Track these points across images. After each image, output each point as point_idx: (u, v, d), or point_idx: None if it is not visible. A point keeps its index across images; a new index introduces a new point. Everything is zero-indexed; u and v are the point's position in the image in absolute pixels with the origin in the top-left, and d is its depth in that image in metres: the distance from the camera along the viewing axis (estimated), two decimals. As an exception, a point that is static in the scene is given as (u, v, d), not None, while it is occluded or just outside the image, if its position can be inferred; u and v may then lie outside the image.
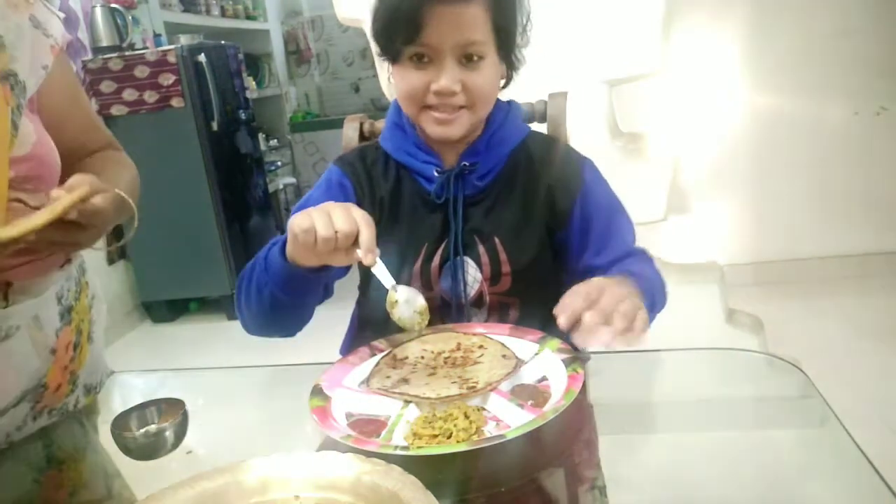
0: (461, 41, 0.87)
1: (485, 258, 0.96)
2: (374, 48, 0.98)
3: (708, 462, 0.72)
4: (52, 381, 0.84)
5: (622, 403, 0.89)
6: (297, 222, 0.76)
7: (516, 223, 0.97)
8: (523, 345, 0.86)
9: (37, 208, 0.68)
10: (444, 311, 0.99)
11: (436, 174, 0.97)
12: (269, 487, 0.62)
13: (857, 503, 0.64)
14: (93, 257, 0.84)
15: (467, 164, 0.96)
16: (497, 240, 0.96)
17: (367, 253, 0.77)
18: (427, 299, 0.98)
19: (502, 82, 0.98)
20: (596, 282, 0.76)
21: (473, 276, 0.97)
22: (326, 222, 0.75)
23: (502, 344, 0.87)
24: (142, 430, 0.71)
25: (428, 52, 0.88)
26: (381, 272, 0.80)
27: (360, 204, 0.99)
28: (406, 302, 0.83)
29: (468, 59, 0.88)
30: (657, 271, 0.95)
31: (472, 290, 0.97)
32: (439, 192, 0.96)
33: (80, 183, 0.70)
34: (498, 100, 1.00)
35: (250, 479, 0.63)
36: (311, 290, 0.88)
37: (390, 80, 0.97)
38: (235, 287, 0.94)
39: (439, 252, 0.97)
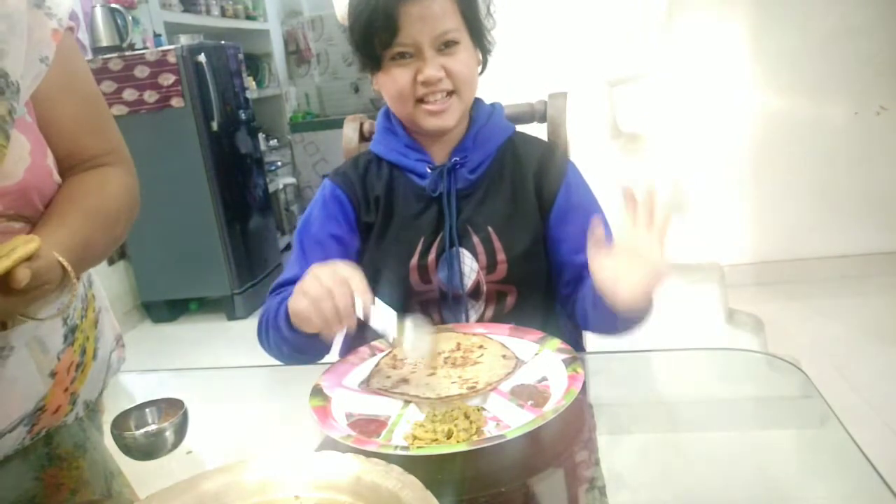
0: (437, 31, 0.92)
1: (480, 248, 0.99)
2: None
3: (708, 462, 0.72)
4: (51, 403, 0.81)
5: (622, 403, 0.89)
6: (295, 305, 0.81)
7: (508, 213, 1.00)
8: (523, 345, 0.87)
9: None
10: (443, 302, 1.01)
11: (428, 170, 1.00)
12: (269, 487, 0.62)
13: (857, 503, 0.64)
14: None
15: (458, 158, 1.00)
16: (490, 229, 0.99)
17: (364, 294, 0.78)
18: (425, 292, 0.99)
19: (479, 68, 1.02)
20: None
21: (470, 266, 0.99)
22: (318, 287, 0.78)
23: (502, 344, 0.87)
24: (142, 430, 0.71)
25: (408, 49, 0.93)
26: (381, 316, 0.80)
27: (356, 210, 1.03)
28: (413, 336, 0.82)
29: (446, 46, 0.93)
30: None
31: (469, 280, 0.99)
32: (433, 186, 1.00)
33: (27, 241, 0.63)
34: (482, 101, 1.05)
35: (250, 479, 0.63)
36: (323, 346, 0.91)
37: (374, 91, 1.02)
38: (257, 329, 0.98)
39: (435, 245, 0.99)
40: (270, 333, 0.93)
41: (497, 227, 0.99)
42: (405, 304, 1.00)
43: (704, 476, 0.69)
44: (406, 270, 0.98)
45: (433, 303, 1.01)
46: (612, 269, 0.80)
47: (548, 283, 1.04)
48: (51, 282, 0.67)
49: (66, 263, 0.68)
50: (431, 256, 0.99)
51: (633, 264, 0.79)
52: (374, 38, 0.93)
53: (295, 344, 0.89)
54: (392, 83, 0.96)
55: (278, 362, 0.96)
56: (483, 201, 1.01)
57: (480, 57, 1.01)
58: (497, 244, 0.98)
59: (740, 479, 0.68)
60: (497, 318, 0.99)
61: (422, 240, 0.99)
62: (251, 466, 0.64)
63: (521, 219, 1.00)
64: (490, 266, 0.99)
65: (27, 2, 0.71)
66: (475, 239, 0.99)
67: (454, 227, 0.99)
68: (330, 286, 0.77)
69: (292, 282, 0.98)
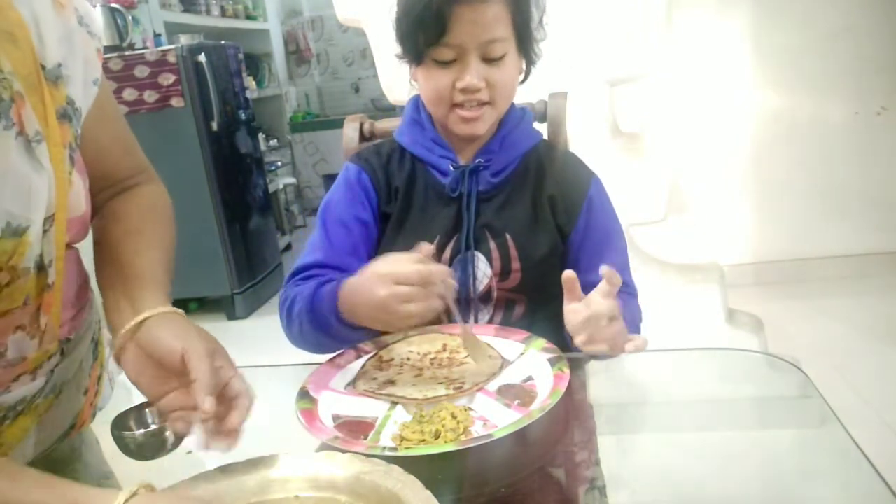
0: (484, 39, 0.90)
1: (495, 254, 0.97)
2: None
3: (708, 462, 0.72)
4: (80, 420, 0.81)
5: (622, 403, 0.89)
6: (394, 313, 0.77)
7: (528, 222, 0.99)
8: (509, 345, 0.86)
9: None
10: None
11: (451, 168, 0.99)
12: (269, 487, 0.62)
13: (857, 503, 0.64)
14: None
15: (482, 160, 0.99)
16: (509, 236, 0.98)
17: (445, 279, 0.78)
18: None
19: (521, 77, 1.00)
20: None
21: (483, 270, 0.98)
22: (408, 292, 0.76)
23: (488, 344, 0.87)
24: (142, 430, 0.71)
25: (452, 51, 0.90)
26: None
27: (378, 195, 1.01)
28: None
29: (491, 56, 0.91)
30: (638, 307, 1.00)
31: (482, 284, 0.98)
32: (454, 185, 0.98)
33: None
34: (513, 104, 1.03)
35: (250, 479, 0.63)
36: (356, 337, 0.91)
37: (412, 84, 1.00)
38: (279, 309, 0.98)
39: (451, 245, 0.98)
40: (304, 326, 0.92)
41: (515, 234, 0.97)
42: None
43: (704, 476, 0.69)
44: None
45: None
46: (579, 326, 0.80)
47: (560, 295, 1.03)
48: None
49: None
50: (446, 256, 0.98)
51: (598, 329, 0.79)
52: (421, 35, 0.91)
53: (343, 337, 0.89)
54: (431, 84, 0.94)
55: (277, 362, 0.96)
56: (504, 206, 0.99)
57: (524, 66, 0.99)
58: (513, 252, 0.97)
59: (740, 479, 0.68)
60: (505, 326, 0.97)
61: (437, 238, 0.98)
62: (251, 466, 0.64)
63: (540, 228, 0.99)
64: (504, 273, 0.97)
65: (76, 21, 0.67)
66: (492, 244, 0.97)
67: (471, 229, 0.97)
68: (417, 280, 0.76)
69: (314, 266, 0.98)
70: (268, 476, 0.63)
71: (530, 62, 0.99)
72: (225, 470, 0.64)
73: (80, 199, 0.69)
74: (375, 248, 1.02)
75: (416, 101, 1.03)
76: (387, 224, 1.01)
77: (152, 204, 0.81)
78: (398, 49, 0.97)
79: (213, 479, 0.63)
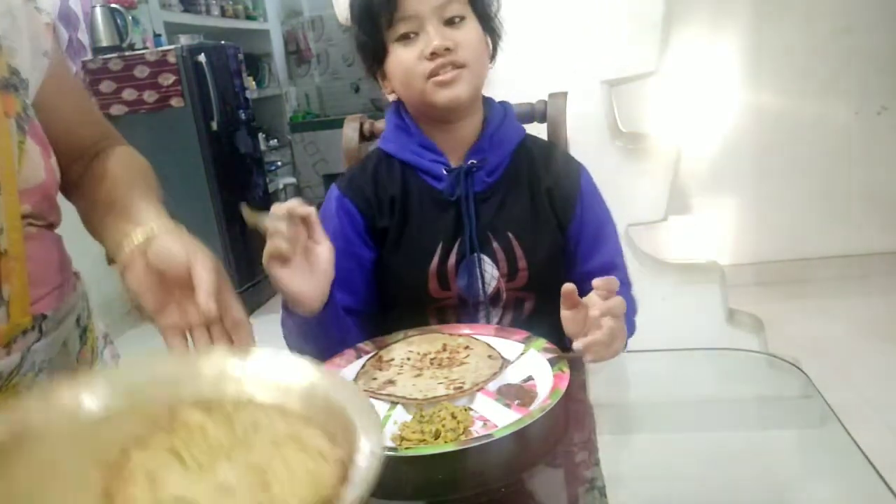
0: (437, 3, 0.89)
1: (500, 254, 0.96)
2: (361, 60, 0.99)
3: (708, 462, 0.72)
4: None
5: (622, 403, 0.89)
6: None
7: (529, 218, 0.98)
8: (509, 345, 0.86)
9: None
10: (462, 309, 0.98)
11: (444, 172, 0.97)
12: (223, 383, 0.57)
13: (857, 503, 0.64)
14: (94, 256, 0.83)
15: (475, 161, 0.97)
16: (511, 235, 0.97)
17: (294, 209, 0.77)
18: (445, 299, 0.97)
19: (489, 53, 0.98)
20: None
21: (490, 272, 0.97)
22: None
23: (488, 344, 0.86)
24: None
25: (412, 24, 0.90)
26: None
27: (368, 219, 0.99)
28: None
29: (449, 16, 0.90)
30: (632, 298, 0.98)
31: (490, 287, 0.97)
32: (450, 189, 0.96)
33: None
34: (493, 100, 1.02)
35: (207, 369, 0.58)
36: (329, 333, 0.88)
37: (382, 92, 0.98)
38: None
39: (454, 250, 0.96)
40: (291, 339, 0.91)
41: (517, 233, 0.96)
42: (422, 310, 0.98)
43: (704, 476, 0.69)
44: (425, 277, 0.96)
45: (451, 309, 0.99)
46: (574, 327, 0.79)
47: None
48: None
49: None
50: (451, 262, 0.96)
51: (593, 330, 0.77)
52: (377, 20, 0.90)
53: (305, 331, 0.88)
54: (399, 64, 0.92)
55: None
56: (502, 206, 0.98)
57: (490, 43, 0.97)
58: (518, 251, 0.96)
59: (740, 479, 0.68)
60: (515, 325, 0.96)
61: (440, 245, 0.96)
62: (209, 356, 0.61)
63: (540, 224, 0.98)
64: (511, 273, 0.96)
65: None
66: (495, 245, 0.96)
67: (474, 232, 0.96)
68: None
69: None
70: (223, 370, 0.58)
71: (494, 35, 0.98)
72: (181, 358, 0.64)
73: (37, 168, 0.70)
74: (373, 266, 1.00)
75: (398, 108, 1.00)
76: (385, 238, 0.98)
77: (129, 158, 0.85)
78: (363, 59, 0.97)
79: (168, 364, 0.61)
